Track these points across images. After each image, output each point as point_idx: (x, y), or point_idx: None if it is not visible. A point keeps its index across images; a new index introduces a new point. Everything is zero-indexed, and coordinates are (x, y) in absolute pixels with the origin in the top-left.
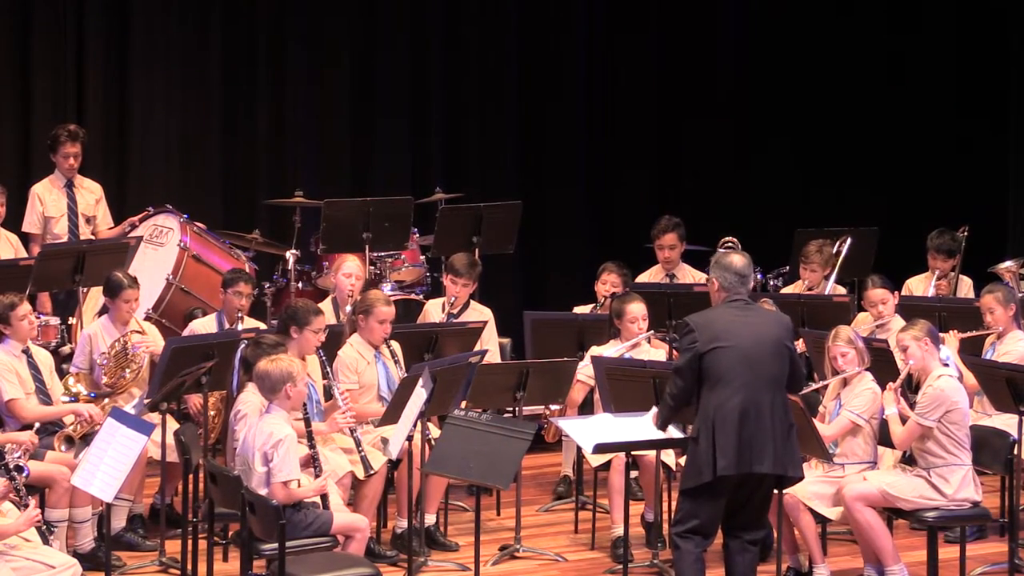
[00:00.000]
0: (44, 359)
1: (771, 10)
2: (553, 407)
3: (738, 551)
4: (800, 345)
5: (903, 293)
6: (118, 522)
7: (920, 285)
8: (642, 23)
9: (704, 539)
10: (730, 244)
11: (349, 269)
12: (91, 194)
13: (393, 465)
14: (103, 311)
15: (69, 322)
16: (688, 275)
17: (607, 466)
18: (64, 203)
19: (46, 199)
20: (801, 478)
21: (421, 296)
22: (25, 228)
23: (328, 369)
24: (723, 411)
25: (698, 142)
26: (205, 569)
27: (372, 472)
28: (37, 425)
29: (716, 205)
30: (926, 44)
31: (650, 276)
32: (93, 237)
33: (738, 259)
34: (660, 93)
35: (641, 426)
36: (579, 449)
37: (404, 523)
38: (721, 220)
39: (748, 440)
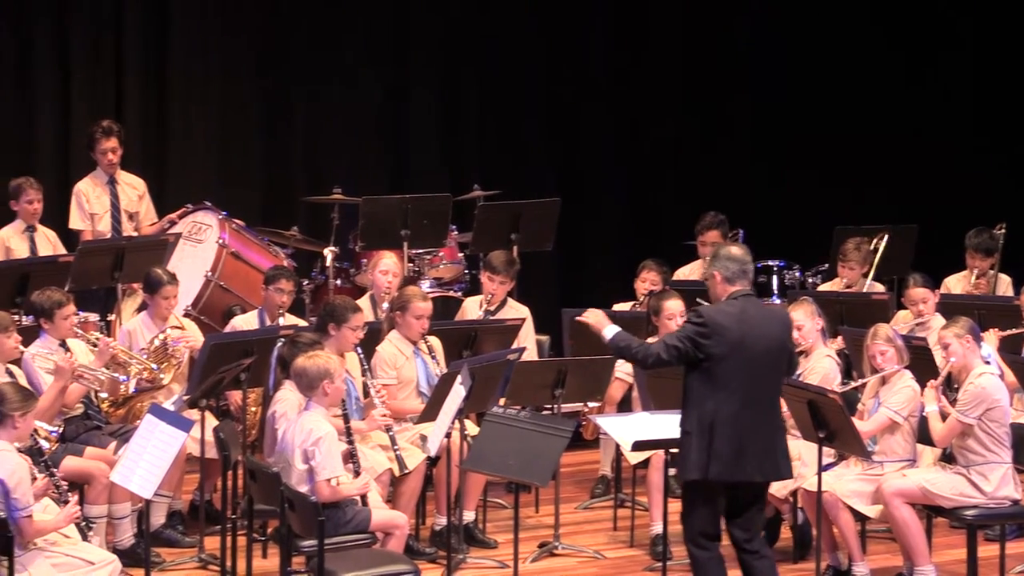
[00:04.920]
0: (80, 351)
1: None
2: (591, 404)
3: (753, 560)
4: (839, 342)
5: (941, 291)
6: (157, 518)
7: (958, 284)
8: (674, 19)
9: (713, 541)
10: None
11: (387, 266)
12: (134, 190)
13: (432, 462)
14: (142, 308)
15: (108, 318)
16: None
17: (646, 463)
18: (107, 200)
19: (90, 196)
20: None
21: (459, 293)
22: (72, 225)
23: (366, 366)
24: (721, 416)
25: (738, 137)
26: (244, 566)
27: (406, 471)
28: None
29: (755, 201)
30: (961, 41)
31: (690, 273)
32: (136, 234)
33: (736, 249)
34: (695, 87)
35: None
36: (618, 446)
37: (443, 520)
38: (760, 217)
39: (744, 448)
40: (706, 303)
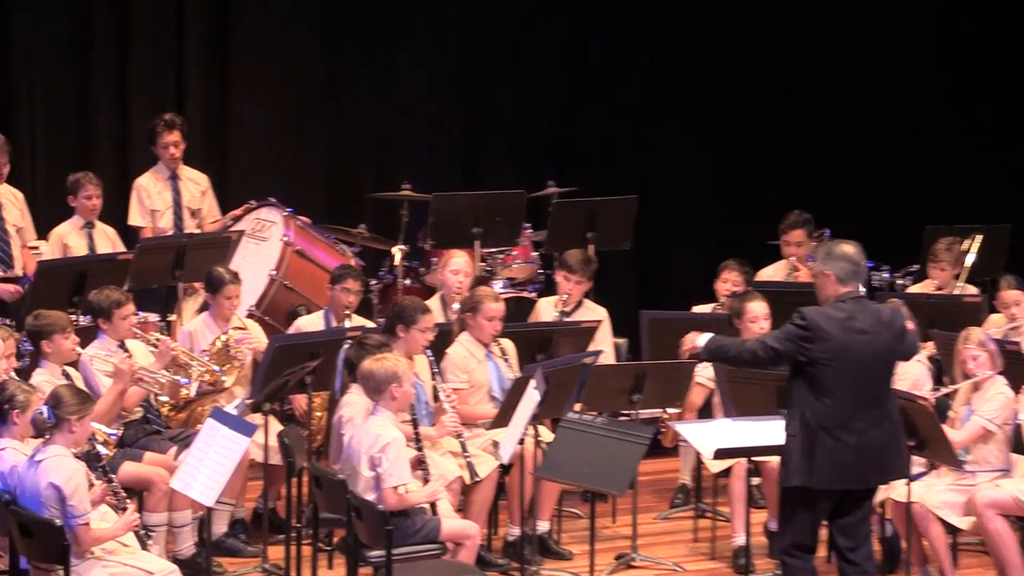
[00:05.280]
0: (139, 352)
1: None
2: (671, 410)
3: (853, 573)
4: (929, 347)
5: None
6: (219, 527)
7: None
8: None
9: (808, 553)
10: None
11: (457, 265)
12: (196, 185)
13: (504, 470)
14: (204, 308)
15: (168, 319)
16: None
17: (727, 472)
18: (169, 196)
19: (151, 192)
20: (907, 475)
21: (533, 294)
22: (132, 222)
23: (436, 369)
24: (825, 422)
25: (825, 135)
26: None
27: (479, 478)
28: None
29: (843, 199)
30: None
31: (774, 273)
32: (198, 231)
33: (850, 248)
34: (784, 82)
35: (763, 431)
36: (698, 454)
37: (516, 530)
38: (847, 216)
39: (847, 458)
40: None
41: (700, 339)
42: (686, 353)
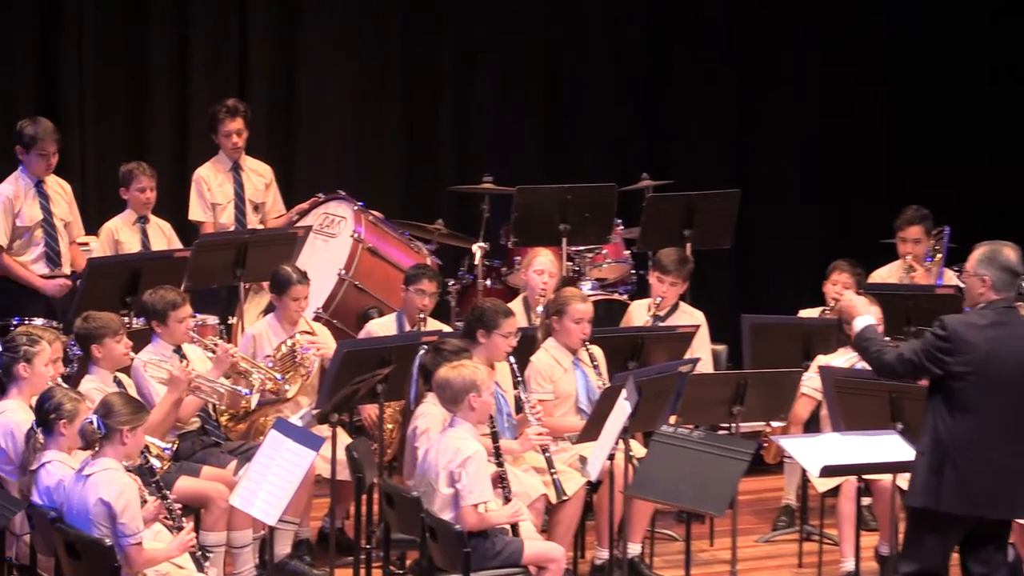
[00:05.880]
0: (197, 358)
1: None
2: (774, 424)
3: None
4: None
5: None
6: (282, 548)
7: None
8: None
9: None
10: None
11: (542, 265)
12: (260, 177)
13: (592, 487)
14: (268, 310)
15: (229, 321)
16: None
17: (835, 491)
18: (230, 188)
19: (212, 184)
20: None
21: (625, 296)
22: (193, 217)
23: (519, 377)
24: (960, 441)
25: (941, 124)
26: None
27: (566, 497)
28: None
29: (961, 195)
30: None
31: (888, 274)
32: (261, 226)
33: (1012, 253)
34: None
35: (876, 446)
36: (804, 472)
37: (604, 553)
38: (967, 214)
39: (982, 482)
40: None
41: (860, 319)
42: (841, 312)
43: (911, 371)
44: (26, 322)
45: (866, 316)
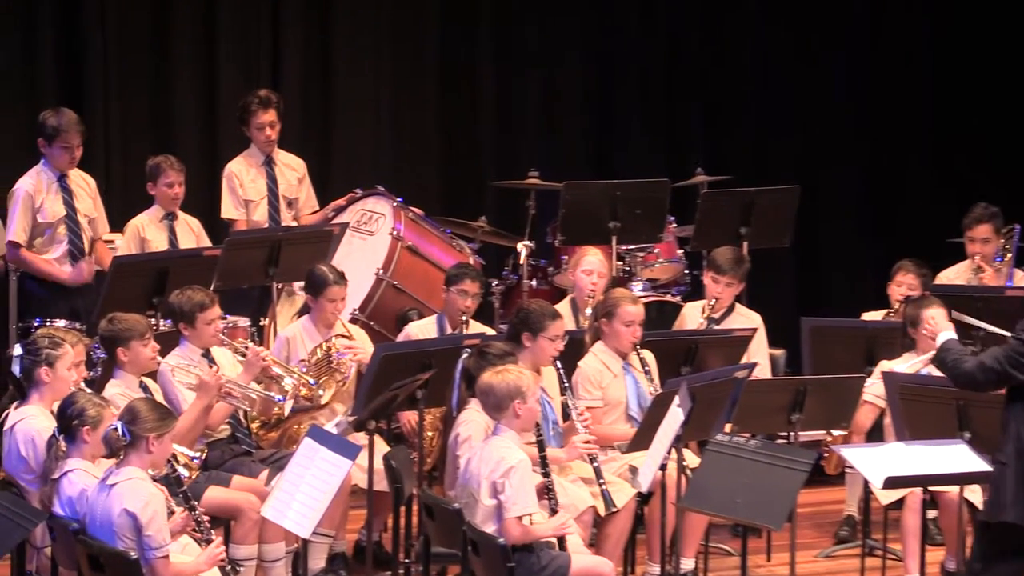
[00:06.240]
0: (227, 362)
1: None
2: (836, 433)
3: None
4: None
5: None
6: (316, 562)
7: None
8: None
9: None
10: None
11: (591, 265)
12: (293, 172)
13: (643, 499)
14: (303, 311)
15: (261, 323)
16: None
17: (899, 504)
18: (263, 184)
19: (244, 179)
20: None
21: (678, 298)
22: (225, 214)
23: (567, 383)
24: None
25: (1010, 116)
26: None
27: (615, 509)
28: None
29: None
30: None
31: (956, 275)
32: (295, 223)
33: None
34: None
35: (942, 456)
36: (866, 483)
37: (656, 568)
38: None
39: None
40: None
41: (943, 335)
42: (928, 330)
43: (994, 380)
44: (48, 324)
45: (948, 330)
